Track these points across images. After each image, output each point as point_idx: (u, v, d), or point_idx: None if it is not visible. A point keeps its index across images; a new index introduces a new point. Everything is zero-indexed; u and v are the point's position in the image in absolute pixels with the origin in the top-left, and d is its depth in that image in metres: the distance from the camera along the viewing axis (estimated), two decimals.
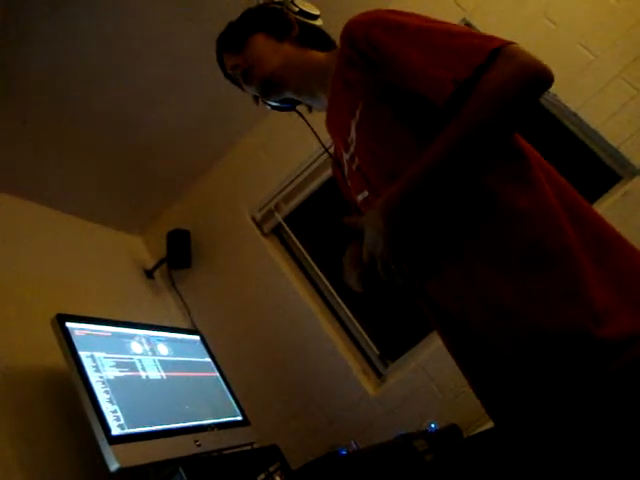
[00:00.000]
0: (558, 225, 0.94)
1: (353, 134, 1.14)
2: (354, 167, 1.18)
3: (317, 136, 1.44)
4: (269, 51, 1.26)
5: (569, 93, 2.45)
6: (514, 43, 0.92)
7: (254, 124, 3.05)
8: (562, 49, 2.53)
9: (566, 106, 2.48)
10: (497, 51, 0.90)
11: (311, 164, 2.93)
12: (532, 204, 0.95)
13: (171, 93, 2.59)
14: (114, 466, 1.50)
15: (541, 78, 0.90)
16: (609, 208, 2.29)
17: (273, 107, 1.39)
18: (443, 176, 0.96)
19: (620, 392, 0.84)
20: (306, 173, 2.95)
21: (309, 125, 1.44)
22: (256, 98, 1.35)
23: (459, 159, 0.95)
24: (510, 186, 0.97)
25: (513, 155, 1.01)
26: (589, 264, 0.91)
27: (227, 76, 1.36)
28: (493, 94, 0.90)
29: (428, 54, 0.97)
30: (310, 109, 1.39)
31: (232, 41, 1.31)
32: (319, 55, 1.26)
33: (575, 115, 2.49)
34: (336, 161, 1.37)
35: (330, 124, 1.29)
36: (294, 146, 2.88)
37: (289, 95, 1.31)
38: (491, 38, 0.93)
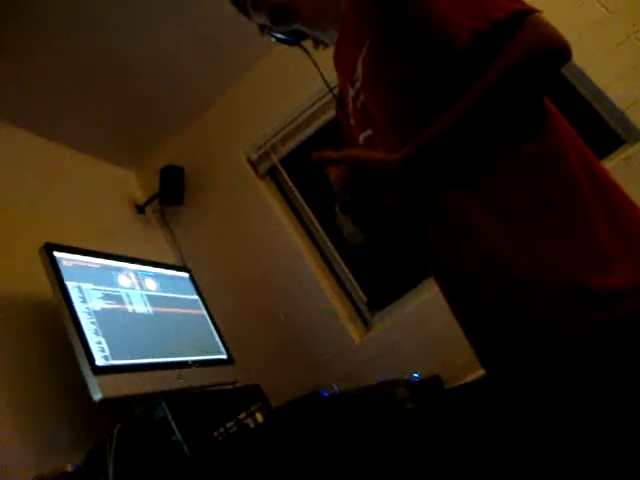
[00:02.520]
0: (571, 175, 0.93)
1: (359, 70, 1.11)
2: (359, 104, 1.16)
3: (321, 73, 1.40)
4: None
5: (578, 49, 2.37)
6: (539, 12, 0.93)
7: (255, 62, 2.97)
8: (577, 2, 2.46)
9: (574, 64, 2.42)
10: (522, 15, 0.91)
11: (311, 106, 2.87)
12: (546, 151, 0.95)
13: (170, 26, 2.51)
14: (97, 396, 1.52)
15: (563, 54, 0.92)
16: (609, 172, 2.26)
17: (278, 39, 1.34)
18: (463, 133, 0.97)
19: (614, 343, 0.84)
20: (305, 115, 2.89)
21: (313, 62, 1.39)
22: (262, 28, 1.30)
23: (480, 119, 0.95)
24: (524, 133, 0.97)
25: (536, 107, 1.00)
26: (598, 216, 0.91)
27: (234, 2, 1.31)
28: (516, 62, 0.91)
29: (454, 2, 0.96)
30: (316, 45, 1.35)
31: None
32: None
33: (583, 74, 2.44)
34: (340, 101, 1.33)
35: (337, 59, 1.25)
36: (295, 86, 2.81)
37: (299, 26, 1.26)
38: (518, 1, 0.94)
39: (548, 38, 0.91)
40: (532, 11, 0.92)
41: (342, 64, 1.23)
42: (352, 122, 1.25)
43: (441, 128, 0.98)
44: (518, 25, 0.91)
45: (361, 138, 1.21)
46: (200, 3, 2.43)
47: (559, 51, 0.92)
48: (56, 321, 1.65)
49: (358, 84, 1.14)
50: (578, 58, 2.37)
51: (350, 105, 1.23)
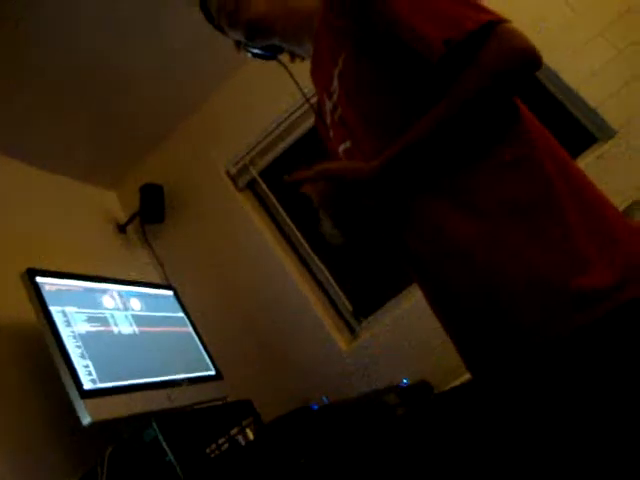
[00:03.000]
0: (547, 178, 0.95)
1: (335, 83, 1.12)
2: (336, 117, 1.18)
3: (297, 84, 1.41)
4: None
5: (549, 51, 2.41)
6: (510, 21, 0.94)
7: (230, 75, 2.97)
8: (544, 5, 2.50)
9: (546, 65, 2.46)
10: (493, 25, 0.92)
11: (288, 117, 2.89)
12: (521, 155, 0.97)
13: (146, 41, 2.51)
14: (86, 420, 1.50)
15: (534, 63, 0.93)
16: (584, 170, 2.29)
17: (254, 54, 1.34)
18: (436, 141, 0.98)
19: (595, 345, 0.85)
20: (283, 126, 2.91)
21: (290, 74, 1.40)
22: (238, 44, 1.31)
23: (456, 124, 0.97)
24: (497, 138, 0.99)
25: (508, 111, 1.02)
26: (575, 218, 0.92)
27: (209, 19, 1.31)
28: (489, 72, 0.93)
29: (427, 13, 0.97)
30: (293, 58, 1.36)
31: None
32: (309, 1, 1.22)
33: (554, 74, 2.47)
34: (319, 113, 1.34)
35: (314, 73, 1.26)
36: (271, 98, 2.82)
37: (275, 41, 1.27)
38: (490, 12, 0.95)
39: (517, 51, 0.92)
40: (501, 21, 0.93)
41: (319, 78, 1.24)
42: (331, 134, 1.26)
43: (414, 136, 0.99)
44: (488, 34, 0.92)
45: (340, 150, 1.22)
46: (174, 19, 2.43)
47: (528, 62, 0.93)
48: (41, 346, 1.63)
49: (335, 97, 1.15)
50: (549, 59, 2.41)
51: (328, 117, 1.24)
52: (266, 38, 1.26)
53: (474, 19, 0.93)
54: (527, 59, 0.93)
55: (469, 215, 0.96)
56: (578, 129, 2.52)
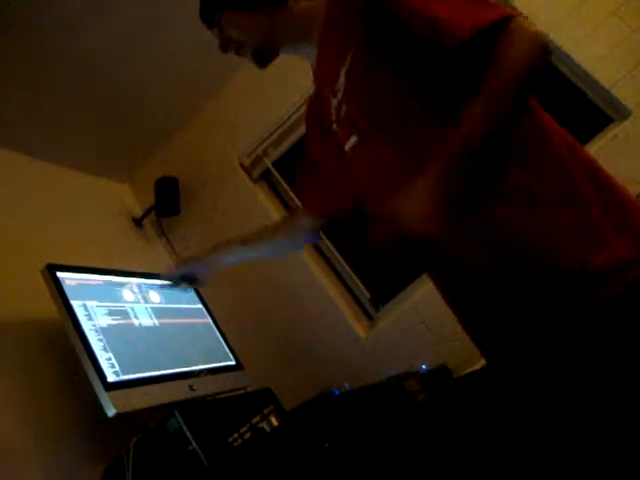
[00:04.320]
0: (559, 159, 0.96)
1: (342, 80, 1.13)
2: (342, 113, 1.17)
3: (312, 68, 1.41)
4: (248, 27, 1.24)
5: (561, 33, 2.40)
6: (520, 15, 0.95)
7: (241, 67, 2.97)
8: None
9: (558, 47, 2.44)
10: (508, 20, 0.94)
11: (300, 107, 2.86)
12: (532, 138, 0.98)
13: (157, 38, 2.52)
14: (111, 412, 1.52)
15: (547, 53, 0.95)
16: (598, 151, 2.27)
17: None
18: (482, 145, 0.94)
19: (618, 317, 0.86)
20: (295, 116, 2.90)
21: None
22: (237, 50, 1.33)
23: (495, 126, 0.94)
24: (526, 135, 0.98)
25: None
26: (596, 203, 0.93)
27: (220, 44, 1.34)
28: (515, 69, 0.92)
29: (448, 3, 0.98)
30: None
31: (206, 17, 1.28)
32: (301, 6, 1.22)
33: (567, 56, 2.45)
34: (315, 113, 1.36)
35: (318, 72, 1.27)
36: (282, 89, 2.82)
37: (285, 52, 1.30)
38: (502, 7, 0.97)
39: (536, 42, 0.93)
40: (516, 15, 0.94)
41: (322, 76, 1.25)
42: (336, 129, 1.25)
43: (457, 148, 0.95)
44: (499, 30, 0.93)
45: (346, 147, 1.22)
46: (185, 13, 2.43)
47: (546, 50, 0.94)
48: (64, 340, 1.66)
49: (340, 94, 1.16)
50: (562, 40, 2.39)
51: (333, 115, 1.23)
52: (275, 57, 1.30)
53: (497, 13, 0.94)
54: (543, 52, 0.94)
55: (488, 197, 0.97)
56: (593, 110, 2.49)
